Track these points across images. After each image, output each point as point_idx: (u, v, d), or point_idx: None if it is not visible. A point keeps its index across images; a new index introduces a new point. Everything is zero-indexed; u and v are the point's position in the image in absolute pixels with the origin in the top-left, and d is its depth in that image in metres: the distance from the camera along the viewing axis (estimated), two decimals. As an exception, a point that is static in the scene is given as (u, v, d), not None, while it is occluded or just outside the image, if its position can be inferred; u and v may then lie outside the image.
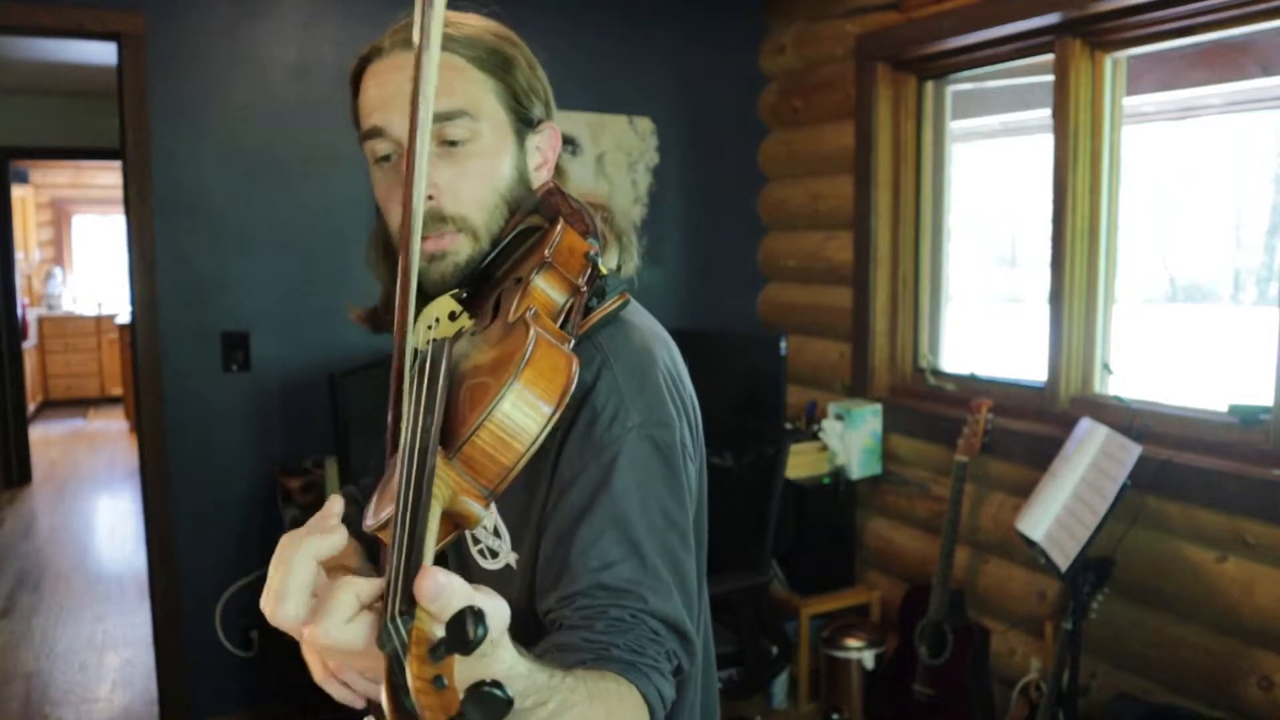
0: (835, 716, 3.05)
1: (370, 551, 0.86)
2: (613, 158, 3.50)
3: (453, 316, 0.90)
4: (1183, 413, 2.45)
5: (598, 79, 3.44)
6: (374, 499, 0.72)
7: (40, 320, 8.85)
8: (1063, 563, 2.21)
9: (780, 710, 3.22)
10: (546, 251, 0.84)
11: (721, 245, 3.75)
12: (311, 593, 0.60)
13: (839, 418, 3.20)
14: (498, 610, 0.59)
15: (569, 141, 3.33)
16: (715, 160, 3.70)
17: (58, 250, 9.33)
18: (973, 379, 3.08)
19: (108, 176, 8.72)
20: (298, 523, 3.23)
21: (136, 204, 2.88)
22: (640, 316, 0.98)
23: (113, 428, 8.28)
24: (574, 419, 0.87)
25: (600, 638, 0.78)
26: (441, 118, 0.91)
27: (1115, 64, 2.62)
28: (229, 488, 3.06)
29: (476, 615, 0.51)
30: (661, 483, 0.87)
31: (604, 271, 0.88)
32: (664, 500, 0.87)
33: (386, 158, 0.95)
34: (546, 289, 0.83)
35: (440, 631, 0.52)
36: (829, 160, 3.43)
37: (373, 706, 0.78)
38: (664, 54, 3.57)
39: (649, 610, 0.81)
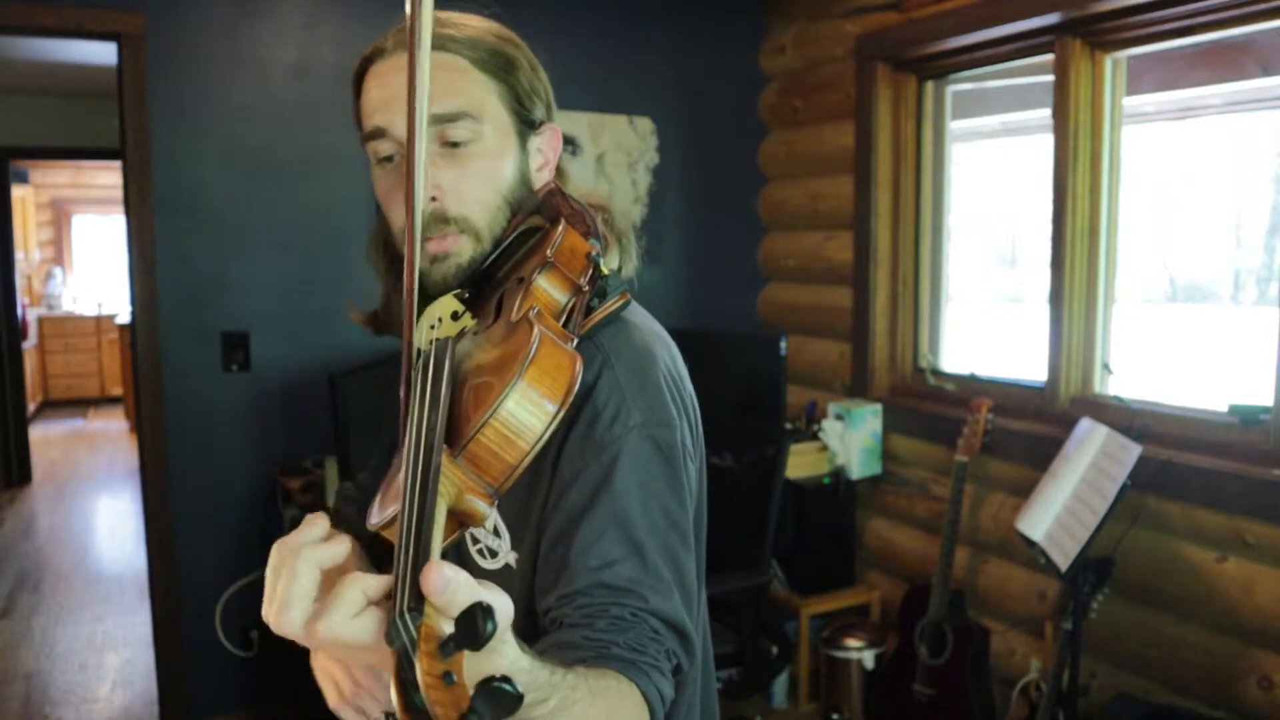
0: (835, 716, 3.05)
1: (369, 551, 0.86)
2: (613, 158, 3.50)
3: (455, 316, 0.90)
4: (1183, 413, 2.45)
5: (598, 79, 3.44)
6: (378, 497, 0.72)
7: (40, 320, 8.85)
8: (1063, 563, 2.21)
9: (780, 710, 3.22)
10: (549, 251, 0.84)
11: (721, 245, 3.75)
12: (314, 600, 0.60)
13: (839, 418, 3.20)
14: (503, 606, 0.59)
15: (569, 142, 3.33)
16: (715, 160, 3.70)
17: (58, 250, 9.33)
18: (973, 379, 3.08)
19: (108, 176, 8.72)
20: (298, 523, 3.22)
21: (136, 204, 2.88)
22: (641, 317, 0.98)
23: (113, 428, 8.28)
24: (575, 418, 0.87)
25: (601, 636, 0.78)
26: (444, 119, 0.91)
27: (1115, 64, 2.62)
28: (229, 488, 3.06)
29: (486, 611, 0.51)
30: (662, 482, 0.87)
31: (605, 272, 0.89)
32: (665, 500, 0.87)
33: (389, 158, 0.95)
34: (549, 289, 0.83)
35: (449, 628, 0.52)
36: (829, 160, 3.43)
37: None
38: (664, 54, 3.57)
39: (649, 609, 0.81)
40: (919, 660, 2.76)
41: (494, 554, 0.93)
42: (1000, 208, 3.42)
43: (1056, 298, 2.71)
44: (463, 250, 0.94)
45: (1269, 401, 2.25)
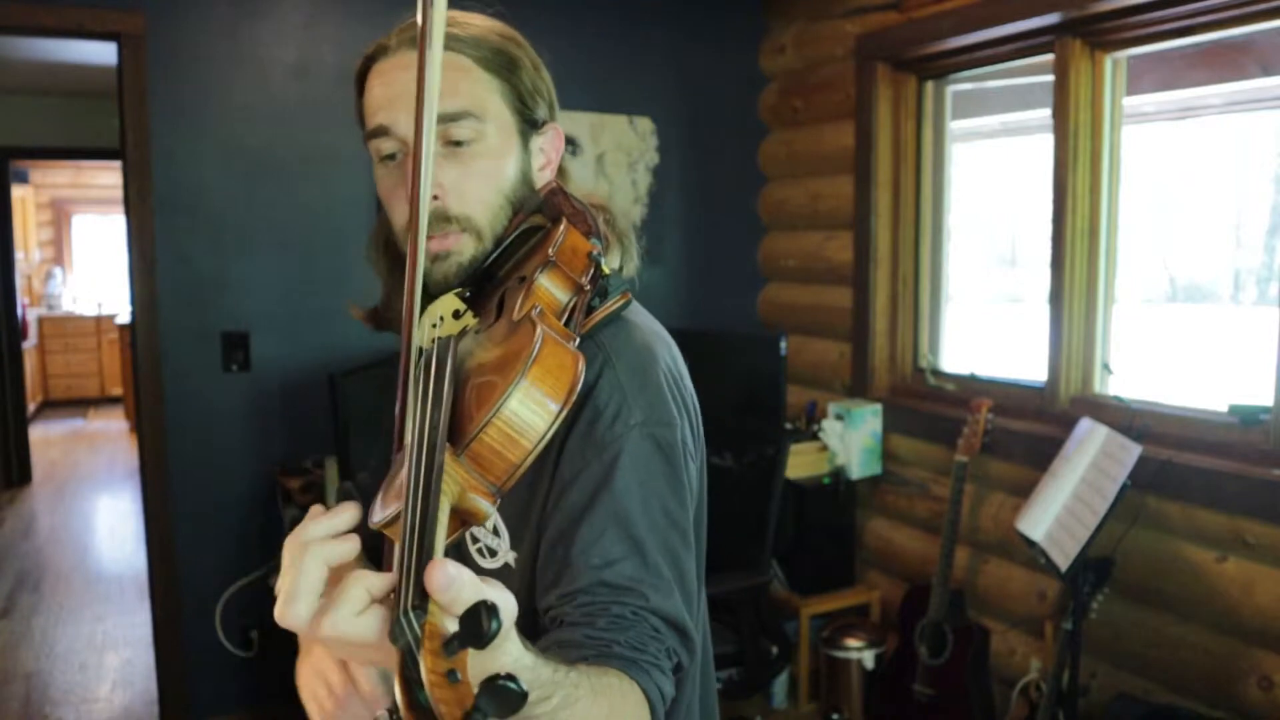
0: (835, 716, 3.05)
1: (371, 552, 0.86)
2: (613, 158, 3.50)
3: (457, 315, 0.90)
4: (1183, 413, 2.45)
5: (598, 79, 3.44)
6: (379, 496, 0.72)
7: (40, 320, 8.85)
8: (1063, 563, 2.21)
9: (780, 710, 3.22)
10: (550, 250, 0.85)
11: (721, 245, 3.75)
12: (320, 595, 0.60)
13: (839, 418, 3.20)
14: (507, 604, 0.59)
15: (569, 142, 3.32)
16: (715, 160, 3.70)
17: (58, 250, 9.33)
18: (973, 379, 3.08)
19: (108, 176, 8.72)
20: (297, 522, 3.21)
21: (136, 204, 2.88)
22: (641, 316, 0.98)
23: (113, 428, 8.29)
24: (575, 417, 0.87)
25: (602, 635, 0.78)
26: (446, 118, 0.91)
27: (1115, 64, 2.62)
28: (229, 488, 3.06)
29: (490, 609, 0.51)
30: (663, 481, 0.87)
31: (606, 271, 0.89)
32: (665, 499, 0.87)
33: (391, 156, 0.95)
34: (550, 288, 0.83)
35: (453, 626, 0.52)
36: (829, 160, 3.43)
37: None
38: (664, 54, 3.57)
39: (650, 608, 0.81)
40: (919, 660, 2.76)
41: (493, 553, 0.93)
42: (1000, 208, 3.42)
43: (1056, 298, 2.71)
44: (464, 249, 0.94)
45: (1269, 401, 2.25)
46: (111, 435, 8.02)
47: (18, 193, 7.62)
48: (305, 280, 3.09)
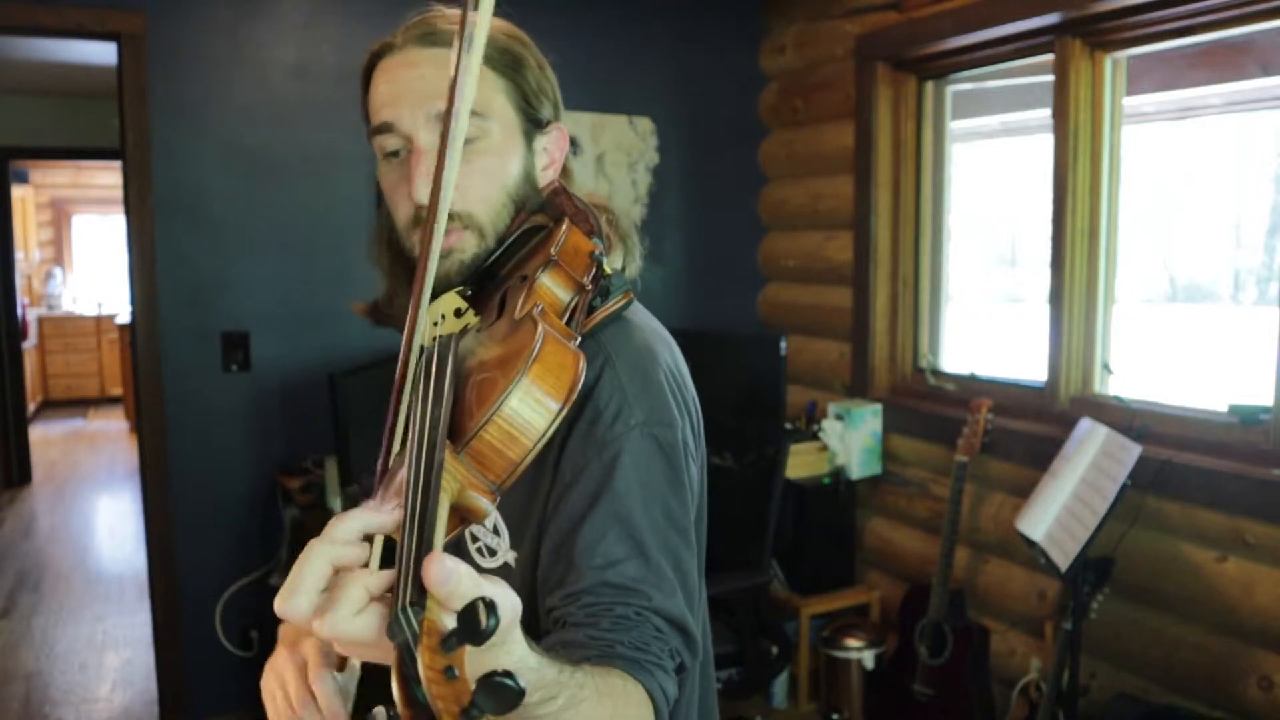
0: (835, 716, 3.05)
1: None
2: (613, 158, 3.50)
3: (458, 313, 0.90)
4: (1183, 413, 2.45)
5: (598, 79, 3.44)
6: (378, 494, 0.72)
7: (40, 320, 8.85)
8: (1063, 563, 2.21)
9: (780, 710, 3.22)
10: (552, 250, 0.85)
11: (721, 245, 3.75)
12: (321, 592, 0.60)
13: (839, 418, 3.20)
14: (508, 600, 0.59)
15: (569, 141, 3.32)
16: (715, 160, 3.70)
17: (58, 250, 9.33)
18: (973, 379, 3.08)
19: (108, 176, 8.72)
20: (298, 522, 3.19)
21: (136, 204, 2.88)
22: (643, 317, 0.98)
23: (113, 428, 8.29)
24: (576, 417, 0.87)
25: (605, 635, 0.79)
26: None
27: (1115, 64, 2.62)
28: (229, 488, 3.06)
29: (489, 605, 0.51)
30: (664, 481, 0.87)
31: (608, 271, 0.89)
32: (666, 499, 0.87)
33: (395, 153, 0.96)
34: (552, 287, 0.83)
35: (451, 622, 0.52)
36: (829, 160, 3.43)
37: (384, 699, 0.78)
38: (664, 54, 3.57)
39: (653, 608, 0.81)
40: (919, 660, 2.76)
41: (493, 552, 0.93)
42: (1000, 208, 3.42)
43: (1056, 298, 2.71)
44: (466, 247, 0.94)
45: (1269, 401, 2.25)
46: (111, 435, 8.02)
47: (18, 193, 7.62)
48: (305, 280, 3.09)
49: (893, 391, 3.30)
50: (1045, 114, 2.74)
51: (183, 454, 2.99)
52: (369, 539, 0.64)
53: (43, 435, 7.81)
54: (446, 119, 0.74)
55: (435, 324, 0.89)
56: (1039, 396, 2.80)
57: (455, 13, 0.95)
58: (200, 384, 3.00)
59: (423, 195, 0.90)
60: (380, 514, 0.64)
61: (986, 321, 3.52)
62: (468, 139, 0.93)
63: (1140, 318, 2.89)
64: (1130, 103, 2.66)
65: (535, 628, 0.86)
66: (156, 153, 2.89)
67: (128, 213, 2.90)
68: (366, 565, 0.65)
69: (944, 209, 3.23)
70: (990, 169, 3.38)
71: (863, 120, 3.24)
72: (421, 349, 0.79)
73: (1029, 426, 2.75)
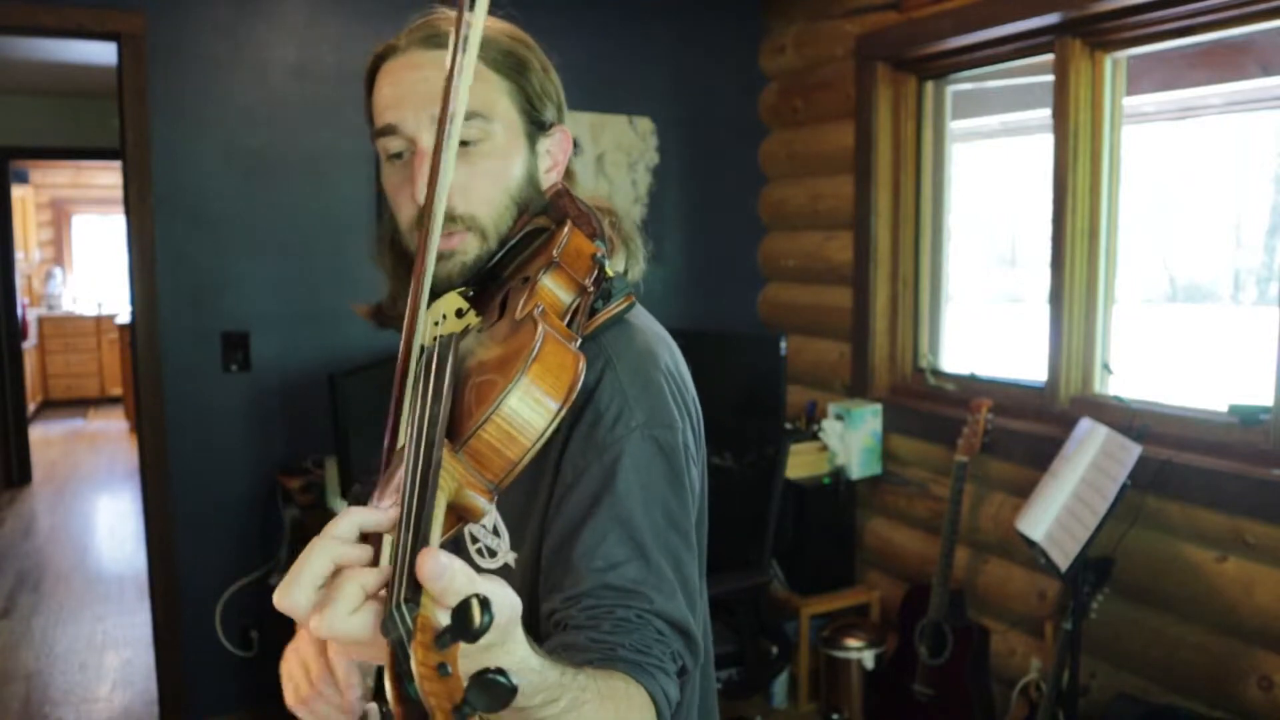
0: (835, 716, 3.05)
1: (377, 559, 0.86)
2: (613, 158, 3.50)
3: (460, 314, 0.90)
4: (1183, 413, 2.45)
5: (598, 79, 3.44)
6: (376, 492, 0.72)
7: (40, 320, 8.85)
8: (1063, 563, 2.21)
9: (780, 710, 3.22)
10: (554, 251, 0.85)
11: (721, 245, 3.75)
12: (319, 588, 0.60)
13: (839, 418, 3.20)
14: (506, 599, 0.59)
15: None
16: (715, 160, 3.70)
17: (58, 250, 9.33)
18: (973, 379, 3.08)
19: (108, 176, 8.72)
20: (297, 522, 3.19)
21: (136, 204, 2.88)
22: (644, 320, 0.98)
23: (113, 428, 8.28)
24: (577, 419, 0.87)
25: (606, 638, 0.78)
26: None
27: (1115, 64, 2.62)
28: (229, 488, 3.06)
29: (483, 603, 0.51)
30: (665, 483, 0.87)
31: (610, 274, 0.89)
32: (667, 501, 0.87)
33: (399, 155, 0.96)
34: (553, 288, 0.83)
35: (445, 619, 0.52)
36: (829, 160, 3.43)
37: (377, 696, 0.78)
38: (664, 54, 3.57)
39: (654, 610, 0.81)
40: (919, 660, 2.76)
41: (493, 553, 0.93)
42: (1000, 208, 3.42)
43: (1056, 298, 2.71)
44: (468, 248, 0.94)
45: (1269, 401, 2.25)
46: (111, 435, 8.01)
47: (18, 193, 7.62)
48: (305, 280, 3.09)
49: (893, 391, 3.30)
50: (1045, 114, 2.74)
51: (183, 454, 2.99)
52: (367, 538, 0.64)
53: (43, 435, 7.81)
54: (441, 120, 0.74)
55: (436, 324, 0.89)
56: (1039, 396, 2.80)
57: (457, 15, 0.95)
58: (200, 384, 3.00)
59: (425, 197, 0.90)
60: (377, 512, 0.64)
61: (986, 321, 3.52)
62: (471, 141, 0.93)
63: (1140, 318, 2.89)
64: (1130, 103, 2.66)
65: (535, 629, 0.86)
66: (156, 153, 2.89)
67: (128, 213, 2.90)
68: (375, 564, 0.65)
69: (944, 209, 3.23)
70: (990, 169, 3.38)
71: (863, 120, 3.24)
72: (422, 348, 0.79)
73: (1029, 426, 2.75)
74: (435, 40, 0.94)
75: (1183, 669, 2.36)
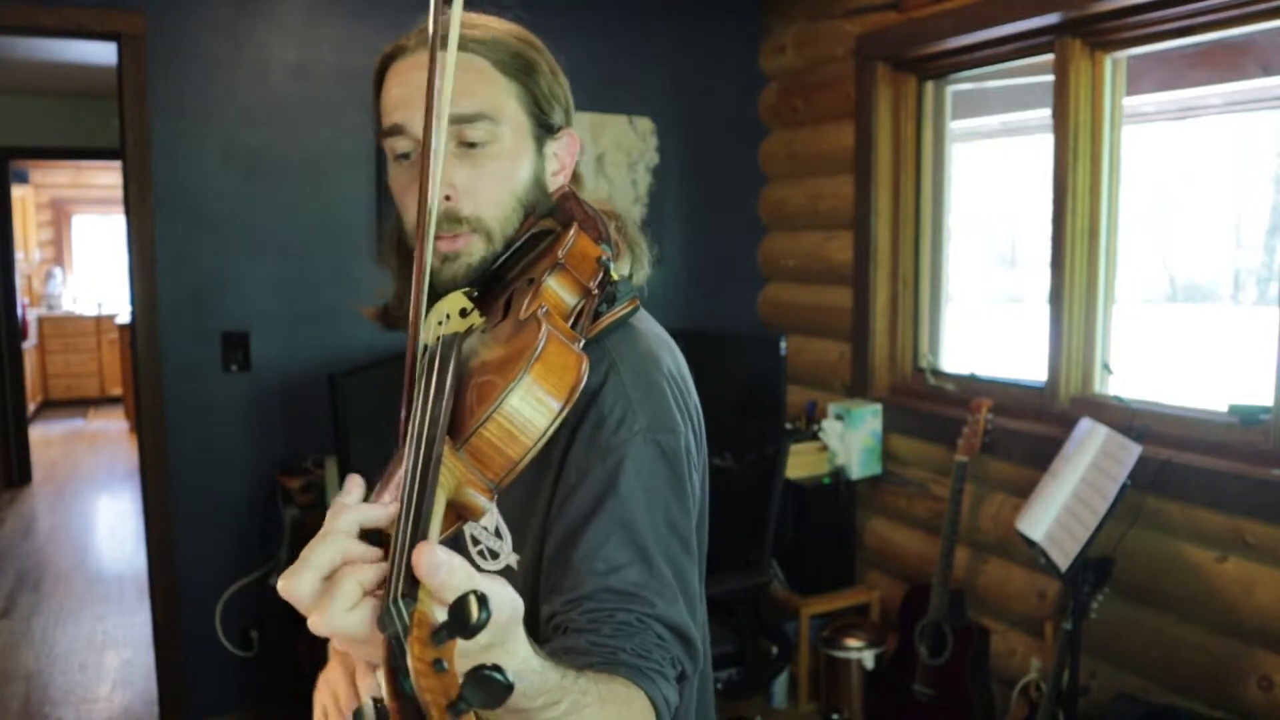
0: (835, 716, 3.05)
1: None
2: (613, 158, 3.50)
3: (464, 313, 0.90)
4: (1183, 413, 2.45)
5: (598, 79, 3.44)
6: (376, 489, 0.72)
7: (40, 320, 8.84)
8: (1063, 563, 2.21)
9: (780, 710, 3.22)
10: (560, 253, 0.85)
11: (721, 245, 3.75)
12: (324, 578, 0.60)
13: (839, 418, 3.20)
14: (506, 598, 0.59)
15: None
16: (715, 160, 3.70)
17: (58, 250, 9.33)
18: (973, 379, 3.08)
19: (108, 176, 8.72)
20: (297, 522, 3.17)
21: (136, 204, 2.88)
22: (648, 323, 0.98)
23: (113, 428, 8.28)
24: (580, 422, 0.87)
25: (607, 641, 0.78)
26: (462, 120, 0.91)
27: (1115, 64, 2.62)
28: (229, 488, 3.06)
29: (480, 599, 0.51)
30: (666, 488, 0.87)
31: (615, 277, 0.89)
32: (669, 505, 0.87)
33: (406, 155, 0.96)
34: (558, 290, 0.83)
35: (443, 615, 0.52)
36: (829, 160, 3.43)
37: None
38: (664, 54, 3.57)
39: (655, 615, 0.81)
40: (919, 660, 2.76)
41: (495, 555, 0.93)
42: (1000, 208, 3.42)
43: (1056, 298, 2.71)
44: (474, 250, 0.94)
45: (1269, 401, 2.25)
46: (111, 435, 8.01)
47: (18, 193, 7.62)
48: (305, 280, 3.09)
49: (893, 391, 3.30)
50: (1045, 114, 2.74)
51: (183, 454, 2.99)
52: (365, 535, 0.64)
53: (43, 435, 7.80)
54: (427, 116, 0.74)
55: (440, 323, 0.90)
56: (1039, 396, 2.80)
57: (467, 15, 0.95)
58: (200, 384, 3.00)
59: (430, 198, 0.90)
60: (378, 508, 0.64)
61: (986, 321, 3.52)
62: (478, 143, 0.93)
63: (1140, 318, 2.89)
64: (1130, 103, 2.66)
65: (536, 631, 0.86)
66: (156, 153, 2.89)
67: (128, 213, 2.90)
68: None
69: (944, 209, 3.23)
70: (990, 169, 3.38)
71: (863, 120, 3.24)
72: (425, 347, 0.80)
73: (1029, 426, 2.75)
74: (444, 41, 0.94)
75: (1183, 669, 2.36)
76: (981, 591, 2.91)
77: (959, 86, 3.18)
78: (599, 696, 0.70)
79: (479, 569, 0.94)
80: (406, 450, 0.65)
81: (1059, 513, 2.32)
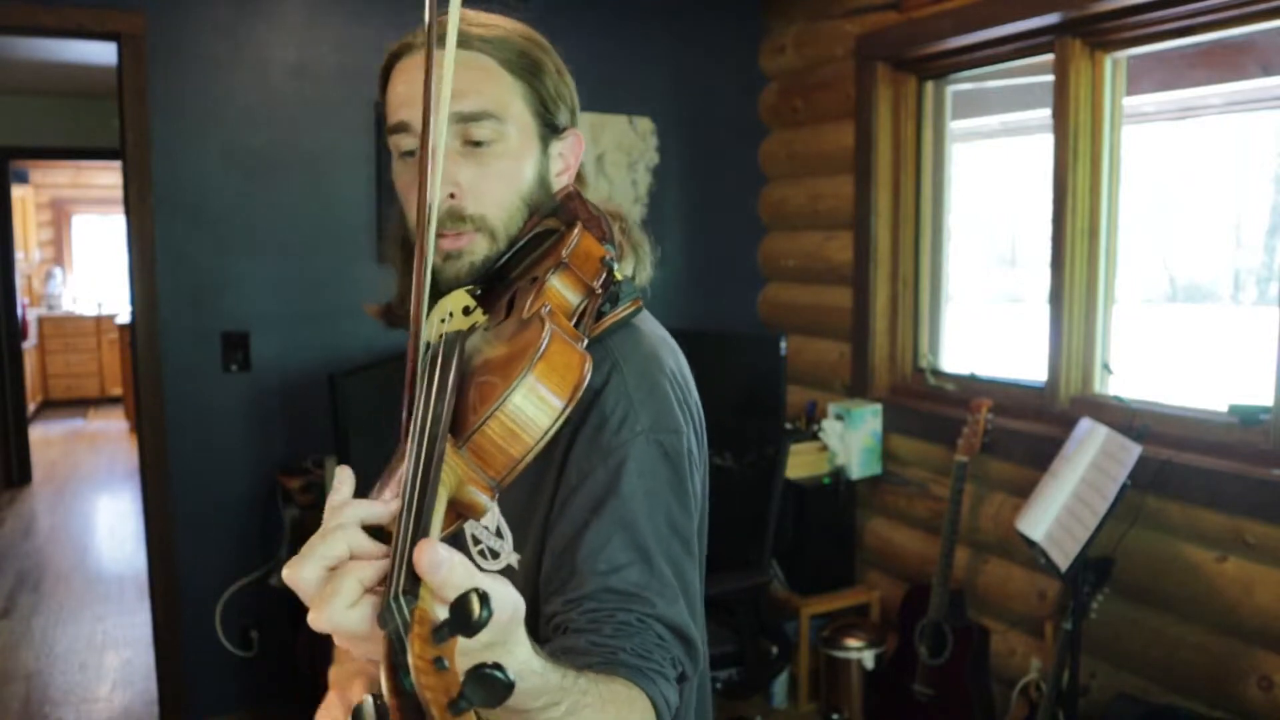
0: (835, 716, 3.05)
1: None
2: (613, 158, 3.50)
3: (466, 311, 0.90)
4: (1183, 413, 2.45)
5: (598, 79, 3.44)
6: (377, 486, 0.72)
7: (40, 320, 8.84)
8: (1063, 563, 2.21)
9: (780, 710, 3.22)
10: (564, 253, 0.85)
11: (721, 245, 3.75)
12: (328, 568, 0.60)
13: (839, 418, 3.20)
14: (507, 597, 0.58)
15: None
16: (715, 160, 3.70)
17: (58, 250, 9.32)
18: (973, 379, 3.08)
19: (108, 176, 8.72)
20: (297, 522, 3.17)
21: (136, 204, 2.88)
22: (651, 324, 0.98)
23: (113, 428, 8.28)
24: (582, 422, 0.87)
25: (608, 642, 0.78)
26: (467, 118, 0.91)
27: (1115, 64, 2.62)
28: (229, 488, 3.06)
29: (482, 597, 0.50)
30: (668, 488, 0.87)
31: (619, 277, 0.89)
32: (670, 506, 0.87)
33: (410, 153, 0.96)
34: (562, 289, 0.83)
35: (444, 613, 0.52)
36: (829, 160, 3.43)
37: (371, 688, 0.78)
38: (664, 54, 3.57)
39: (656, 615, 0.81)
40: (919, 660, 2.76)
41: (495, 554, 0.93)
42: (1000, 208, 3.42)
43: (1056, 298, 2.71)
44: (477, 249, 0.95)
45: (1269, 401, 2.25)
46: (111, 435, 8.01)
47: (18, 193, 7.61)
48: (305, 280, 3.09)
49: (893, 391, 3.30)
50: (1045, 114, 2.74)
51: (183, 454, 2.99)
52: (366, 531, 0.64)
53: (43, 435, 7.80)
54: (425, 114, 0.74)
55: (443, 321, 0.90)
56: (1039, 396, 2.80)
57: (473, 13, 0.95)
58: (200, 384, 3.00)
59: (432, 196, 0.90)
60: (379, 505, 0.64)
61: (986, 321, 3.52)
62: (484, 141, 0.93)
63: (1140, 318, 2.89)
64: (1130, 103, 2.66)
65: (536, 631, 0.86)
66: (156, 153, 2.89)
67: (128, 213, 2.90)
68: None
69: (944, 209, 3.23)
70: (990, 169, 3.38)
71: (863, 120, 3.24)
72: (428, 345, 0.80)
73: (1029, 426, 2.75)
74: (442, 40, 0.94)
75: (1183, 669, 2.36)
76: (981, 591, 2.91)
77: (959, 86, 3.18)
78: (599, 697, 0.70)
79: (480, 568, 0.94)
80: (408, 447, 0.65)
81: (1059, 513, 2.32)
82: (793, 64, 3.58)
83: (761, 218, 3.81)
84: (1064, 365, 2.72)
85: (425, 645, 0.50)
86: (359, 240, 3.12)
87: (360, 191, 3.11)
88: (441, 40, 0.77)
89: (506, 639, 0.59)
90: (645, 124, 3.55)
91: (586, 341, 0.79)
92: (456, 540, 0.93)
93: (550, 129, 0.99)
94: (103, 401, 9.03)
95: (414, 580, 0.54)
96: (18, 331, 6.48)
